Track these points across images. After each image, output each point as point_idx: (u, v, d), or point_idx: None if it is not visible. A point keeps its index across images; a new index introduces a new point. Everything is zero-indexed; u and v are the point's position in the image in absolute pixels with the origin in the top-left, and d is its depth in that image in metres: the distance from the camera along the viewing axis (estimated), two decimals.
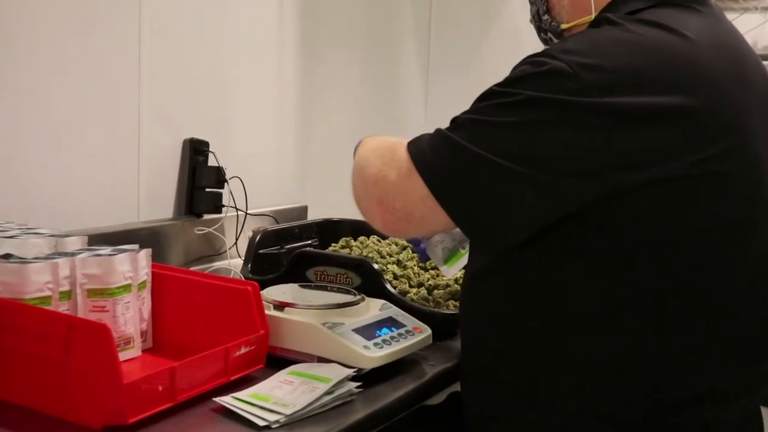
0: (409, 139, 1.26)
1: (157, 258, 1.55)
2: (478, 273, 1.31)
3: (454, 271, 1.54)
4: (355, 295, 1.51)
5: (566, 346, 1.18)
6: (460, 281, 1.70)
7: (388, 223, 1.25)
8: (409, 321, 1.49)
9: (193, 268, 1.93)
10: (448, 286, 1.72)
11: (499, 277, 1.26)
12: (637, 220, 1.13)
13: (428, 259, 1.57)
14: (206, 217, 2.09)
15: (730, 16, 1.51)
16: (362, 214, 1.31)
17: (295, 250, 1.78)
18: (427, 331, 1.48)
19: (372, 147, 1.32)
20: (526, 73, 1.16)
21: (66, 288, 1.32)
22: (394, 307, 1.52)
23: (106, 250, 1.39)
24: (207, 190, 2.08)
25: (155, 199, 1.99)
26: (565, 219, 1.15)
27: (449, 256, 1.53)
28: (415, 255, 1.85)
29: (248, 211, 2.18)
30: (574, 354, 1.18)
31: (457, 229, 1.43)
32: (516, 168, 1.12)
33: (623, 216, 1.13)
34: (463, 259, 1.52)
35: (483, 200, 1.16)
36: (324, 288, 1.57)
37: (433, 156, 1.19)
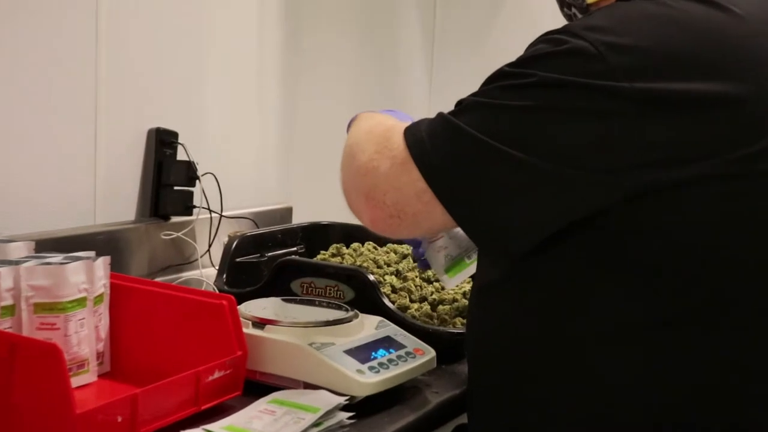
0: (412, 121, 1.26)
1: (116, 267, 1.54)
2: (488, 287, 1.30)
3: (455, 282, 1.54)
4: (347, 310, 1.51)
5: (594, 369, 1.18)
6: (468, 295, 1.70)
7: (377, 221, 1.25)
8: (410, 341, 1.48)
9: (158, 279, 1.93)
10: (455, 301, 1.72)
11: (512, 292, 1.25)
12: (669, 224, 1.12)
13: (428, 267, 1.57)
14: (174, 219, 2.09)
15: None
16: (349, 207, 1.31)
17: (278, 258, 1.77)
18: (431, 353, 1.48)
19: (366, 129, 1.32)
20: (542, 52, 1.15)
21: (9, 302, 1.31)
22: (393, 325, 1.52)
23: (57, 257, 1.39)
24: (175, 188, 2.07)
25: (114, 199, 1.98)
26: (587, 223, 1.14)
27: (452, 265, 1.53)
28: (416, 266, 1.84)
29: (223, 213, 2.17)
30: (604, 377, 1.18)
31: (464, 236, 1.42)
32: (528, 160, 1.12)
33: (653, 220, 1.12)
34: (467, 270, 1.52)
35: (490, 197, 1.15)
36: (311, 302, 1.57)
37: (432, 144, 1.18)
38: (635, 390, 1.17)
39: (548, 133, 1.12)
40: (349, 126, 1.42)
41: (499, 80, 1.18)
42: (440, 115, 1.21)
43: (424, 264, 1.58)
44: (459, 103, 1.21)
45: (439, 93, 3.20)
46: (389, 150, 1.23)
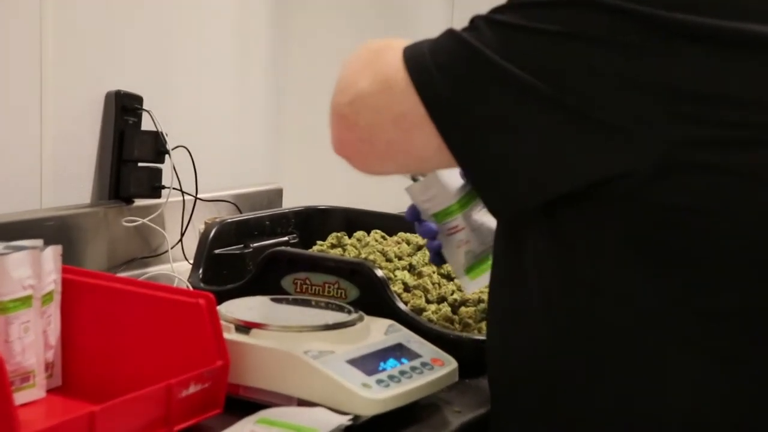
0: None
1: (69, 259, 1.54)
2: (508, 276, 1.31)
3: (476, 285, 1.55)
4: (349, 312, 1.51)
5: (646, 377, 1.20)
6: None
7: (344, 143, 1.29)
8: (426, 350, 1.48)
9: (121, 274, 1.93)
10: (480, 302, 1.72)
11: (535, 282, 1.26)
12: (721, 200, 1.13)
13: (443, 262, 1.57)
14: (139, 202, 2.09)
15: None
16: None
17: (266, 249, 1.77)
18: (452, 365, 1.48)
19: (362, 46, 1.35)
20: None
21: None
22: (405, 330, 1.52)
23: None
24: (140, 164, 2.07)
25: (65, 178, 1.98)
26: (619, 195, 1.15)
27: (474, 264, 1.53)
28: None
29: (199, 196, 2.17)
30: (661, 385, 1.19)
31: (489, 229, 1.41)
32: (549, 92, 1.13)
33: (700, 194, 1.13)
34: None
35: (502, 133, 1.17)
36: (306, 303, 1.57)
37: (435, 61, 1.20)
38: (701, 399, 1.19)
39: (573, 65, 1.13)
40: None
41: None
42: (449, 30, 1.22)
43: (438, 259, 1.58)
44: (472, 21, 1.22)
45: None
46: (377, 65, 1.25)
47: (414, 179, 1.57)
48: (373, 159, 1.28)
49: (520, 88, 1.14)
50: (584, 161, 1.15)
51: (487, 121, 1.17)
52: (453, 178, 1.52)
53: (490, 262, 1.50)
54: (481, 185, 1.23)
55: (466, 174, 1.25)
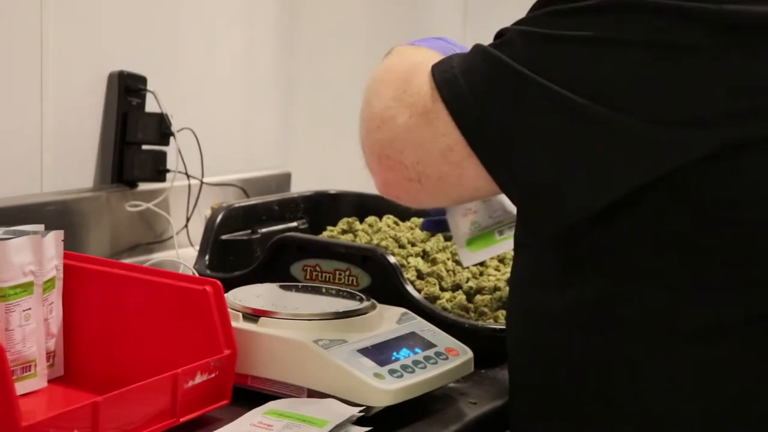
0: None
1: (71, 245, 1.55)
2: (538, 275, 1.31)
3: (476, 259, 1.54)
4: (361, 300, 1.51)
5: (679, 371, 1.20)
6: None
7: (390, 184, 1.26)
8: (441, 339, 1.48)
9: (124, 260, 1.93)
10: (497, 289, 1.72)
11: (568, 282, 1.26)
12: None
13: (437, 230, 1.57)
14: (143, 187, 2.10)
15: None
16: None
17: (274, 235, 1.77)
18: (467, 354, 1.48)
19: (388, 66, 1.33)
20: None
21: None
22: (419, 319, 1.52)
23: None
24: (144, 147, 2.08)
25: (67, 161, 1.99)
26: (664, 197, 1.15)
27: (477, 237, 1.53)
28: (448, 244, 1.85)
29: (205, 179, 2.18)
30: (693, 380, 1.20)
31: (501, 204, 1.41)
32: (586, 104, 1.12)
33: (748, 190, 1.13)
34: (494, 248, 1.53)
35: (540, 149, 1.16)
36: (316, 290, 1.57)
37: (468, 83, 1.18)
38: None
39: (612, 72, 1.12)
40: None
41: (552, 4, 1.18)
42: (477, 47, 1.21)
43: (432, 226, 1.59)
44: (500, 34, 1.21)
45: (476, 31, 3.19)
46: (409, 95, 1.23)
47: None
48: (425, 196, 1.25)
49: (561, 105, 1.13)
50: (636, 168, 1.15)
51: (531, 143, 1.16)
52: None
53: (493, 239, 1.51)
54: (527, 209, 1.23)
55: (512, 200, 1.22)
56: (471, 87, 1.18)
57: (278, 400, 1.34)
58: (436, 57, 1.27)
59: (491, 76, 1.17)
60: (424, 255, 1.82)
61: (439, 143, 1.20)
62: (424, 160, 1.21)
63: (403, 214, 1.99)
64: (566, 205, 1.19)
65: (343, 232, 1.94)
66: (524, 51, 1.16)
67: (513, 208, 1.48)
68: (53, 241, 1.42)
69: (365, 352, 1.38)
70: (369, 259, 1.65)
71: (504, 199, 1.48)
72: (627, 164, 1.15)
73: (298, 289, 1.58)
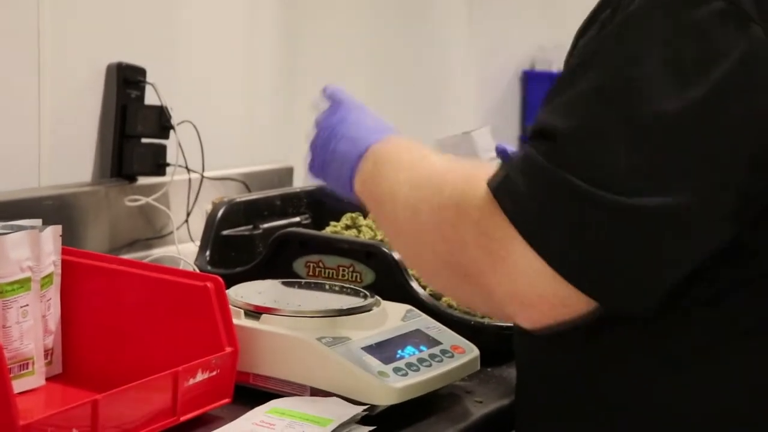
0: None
1: (69, 241, 1.55)
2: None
3: None
4: (365, 297, 1.51)
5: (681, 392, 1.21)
6: None
7: (536, 319, 1.18)
8: (446, 336, 1.48)
9: (124, 256, 1.93)
10: None
11: None
12: None
13: None
14: (142, 181, 2.09)
15: None
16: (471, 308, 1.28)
17: (276, 230, 1.77)
18: (473, 352, 1.48)
19: (412, 183, 1.27)
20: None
21: None
22: (424, 316, 1.52)
23: None
24: (143, 141, 2.08)
25: (65, 155, 1.99)
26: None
27: None
28: None
29: (205, 174, 2.17)
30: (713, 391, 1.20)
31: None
32: (682, 202, 1.11)
33: None
34: None
35: (631, 264, 1.14)
36: (319, 287, 1.57)
37: (544, 216, 1.14)
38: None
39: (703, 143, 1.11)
40: (352, 175, 1.36)
41: (595, 65, 1.16)
42: (535, 161, 1.15)
43: None
44: (546, 130, 1.16)
45: (482, 20, 3.20)
46: (505, 228, 1.16)
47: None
48: (576, 316, 1.18)
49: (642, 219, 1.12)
50: (703, 244, 1.15)
51: (611, 254, 1.14)
52: (485, 143, 1.53)
53: None
54: (618, 309, 1.19)
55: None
56: (552, 224, 1.14)
57: (281, 399, 1.34)
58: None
59: (565, 208, 1.14)
60: None
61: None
62: (561, 285, 1.16)
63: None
64: (648, 301, 1.16)
65: (347, 227, 1.93)
66: (587, 160, 1.13)
67: None
68: (51, 236, 1.42)
69: (369, 349, 1.38)
70: (373, 255, 1.65)
71: None
72: (706, 239, 1.15)
73: (300, 286, 1.58)
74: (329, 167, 1.41)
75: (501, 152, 1.56)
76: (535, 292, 1.16)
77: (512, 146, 1.58)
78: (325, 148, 1.42)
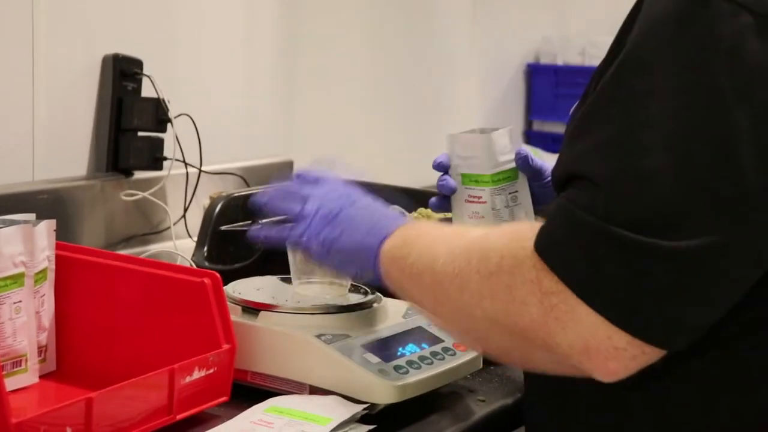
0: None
1: (63, 236, 1.54)
2: None
3: None
4: (366, 293, 1.51)
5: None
6: None
7: (618, 371, 1.17)
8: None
9: (120, 252, 1.93)
10: None
11: None
12: None
13: (440, 210, 1.59)
14: (138, 175, 2.09)
15: None
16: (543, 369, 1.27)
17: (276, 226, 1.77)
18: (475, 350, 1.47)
19: (454, 254, 1.25)
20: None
21: None
22: None
23: None
24: (140, 134, 2.07)
25: (60, 148, 1.99)
26: None
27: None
28: None
29: (203, 168, 2.17)
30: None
31: (508, 209, 1.43)
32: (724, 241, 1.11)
33: None
34: None
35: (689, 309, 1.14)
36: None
37: (596, 273, 1.14)
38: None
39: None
40: (376, 259, 1.32)
41: (626, 100, 1.15)
42: (576, 215, 1.15)
43: (437, 206, 1.59)
44: (583, 157, 1.17)
45: (486, 21, 3.19)
46: (563, 285, 1.16)
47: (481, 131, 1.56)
48: (656, 358, 1.18)
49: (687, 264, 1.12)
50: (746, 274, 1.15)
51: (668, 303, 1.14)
52: (503, 146, 1.52)
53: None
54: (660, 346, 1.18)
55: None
56: (606, 280, 1.14)
57: (279, 397, 1.35)
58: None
59: (618, 261, 1.13)
60: None
61: None
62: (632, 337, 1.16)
63: (410, 204, 1.98)
64: (684, 340, 1.17)
65: None
66: (625, 207, 1.13)
67: (519, 217, 1.53)
68: (45, 231, 1.42)
69: (370, 347, 1.38)
70: None
71: (518, 215, 1.50)
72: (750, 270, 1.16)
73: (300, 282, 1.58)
74: (340, 243, 1.36)
75: (522, 158, 1.54)
76: (611, 344, 1.15)
77: (528, 150, 1.57)
78: (337, 223, 1.37)
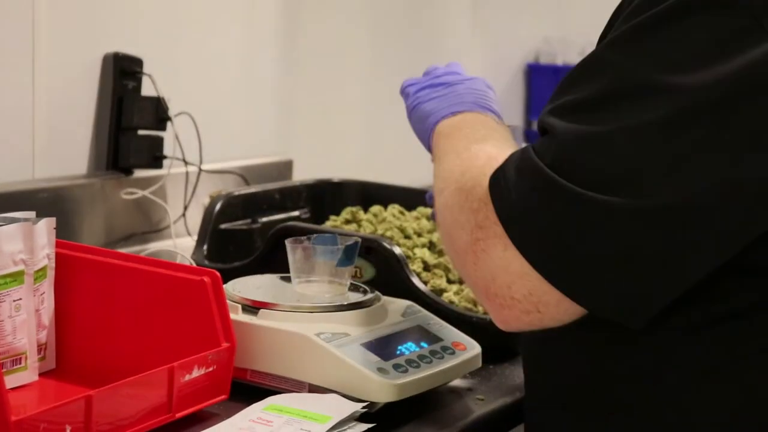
0: None
1: (63, 235, 1.54)
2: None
3: None
4: (365, 292, 1.51)
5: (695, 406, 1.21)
6: None
7: (509, 321, 1.21)
8: (448, 333, 1.49)
9: (119, 250, 1.93)
10: None
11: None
12: None
13: None
14: (138, 173, 2.09)
15: None
16: None
17: (275, 225, 1.77)
18: (474, 349, 1.48)
19: (456, 181, 1.28)
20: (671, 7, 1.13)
21: None
22: (425, 312, 1.52)
23: None
24: (140, 132, 2.08)
25: (60, 147, 1.99)
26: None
27: None
28: None
29: (203, 166, 2.17)
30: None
31: None
32: (682, 210, 1.11)
33: None
34: None
35: (627, 271, 1.14)
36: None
37: (530, 220, 1.15)
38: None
39: (686, 163, 1.10)
40: (430, 141, 1.41)
41: (593, 79, 1.16)
42: (532, 162, 1.16)
43: None
44: (553, 113, 1.18)
45: (486, 21, 3.20)
46: (493, 223, 1.19)
47: None
48: (550, 321, 1.20)
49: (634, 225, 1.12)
50: (710, 255, 1.14)
51: (607, 262, 1.14)
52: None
53: None
54: (621, 318, 1.18)
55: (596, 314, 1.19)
56: (531, 215, 1.15)
57: (278, 396, 1.35)
58: (481, 137, 1.28)
59: (548, 200, 1.14)
60: (431, 246, 1.82)
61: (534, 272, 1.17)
62: (536, 289, 1.17)
63: (409, 203, 1.98)
64: (643, 318, 1.17)
65: (347, 221, 1.93)
66: (579, 157, 1.13)
67: None
68: (45, 229, 1.42)
69: (369, 345, 1.38)
70: (373, 250, 1.65)
71: None
72: (715, 249, 1.14)
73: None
74: (419, 110, 1.46)
75: None
76: (509, 293, 1.18)
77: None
78: (420, 96, 1.47)
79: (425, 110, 1.44)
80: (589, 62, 1.18)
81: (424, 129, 1.43)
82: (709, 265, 1.14)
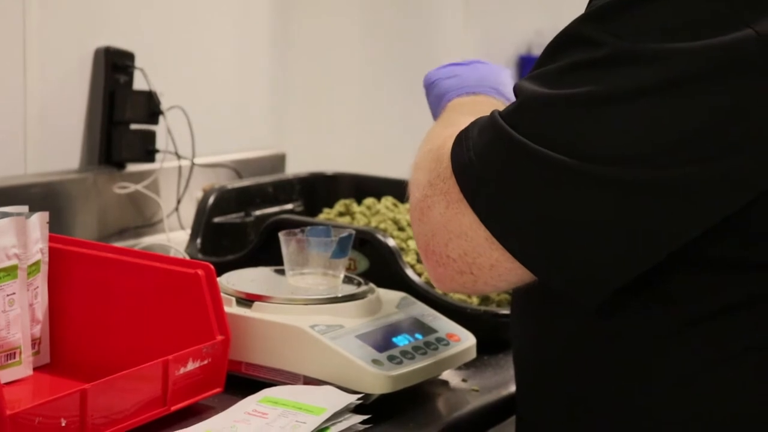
0: None
1: (56, 228, 1.55)
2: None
3: None
4: (359, 284, 1.51)
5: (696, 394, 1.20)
6: None
7: (443, 280, 1.23)
8: (442, 324, 1.49)
9: (113, 244, 1.93)
10: None
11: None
12: None
13: None
14: (131, 168, 2.09)
15: None
16: None
17: (269, 218, 1.78)
18: (469, 340, 1.48)
19: (425, 146, 1.30)
20: None
21: None
22: (419, 303, 1.52)
23: None
24: (132, 127, 2.08)
25: (52, 141, 1.99)
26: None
27: None
28: None
29: (196, 160, 2.17)
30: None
31: None
32: (635, 178, 1.10)
33: None
34: None
35: (573, 237, 1.14)
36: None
37: (483, 168, 1.16)
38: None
39: (664, 127, 1.10)
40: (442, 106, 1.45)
41: (565, 52, 1.16)
42: (493, 120, 1.18)
43: None
44: (517, 95, 1.19)
45: (478, 19, 3.20)
46: (441, 180, 1.21)
47: None
48: (482, 286, 1.21)
49: (582, 180, 1.11)
50: (663, 234, 1.14)
51: (554, 225, 1.14)
52: None
53: None
54: (570, 289, 1.18)
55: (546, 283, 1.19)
56: (486, 173, 1.16)
57: (273, 388, 1.35)
58: (471, 115, 1.26)
59: (507, 161, 1.15)
60: None
61: (481, 231, 1.17)
62: (471, 250, 1.18)
63: (403, 195, 1.98)
64: (596, 294, 1.17)
65: (340, 214, 1.94)
66: (540, 123, 1.14)
67: None
68: (38, 223, 1.42)
69: (363, 337, 1.39)
70: (367, 242, 1.66)
71: None
72: (666, 228, 1.13)
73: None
74: (435, 89, 1.49)
75: None
76: (446, 251, 1.19)
77: None
78: (440, 75, 1.50)
79: (444, 87, 1.46)
80: (564, 34, 1.18)
81: (440, 105, 1.45)
82: (660, 245, 1.13)
